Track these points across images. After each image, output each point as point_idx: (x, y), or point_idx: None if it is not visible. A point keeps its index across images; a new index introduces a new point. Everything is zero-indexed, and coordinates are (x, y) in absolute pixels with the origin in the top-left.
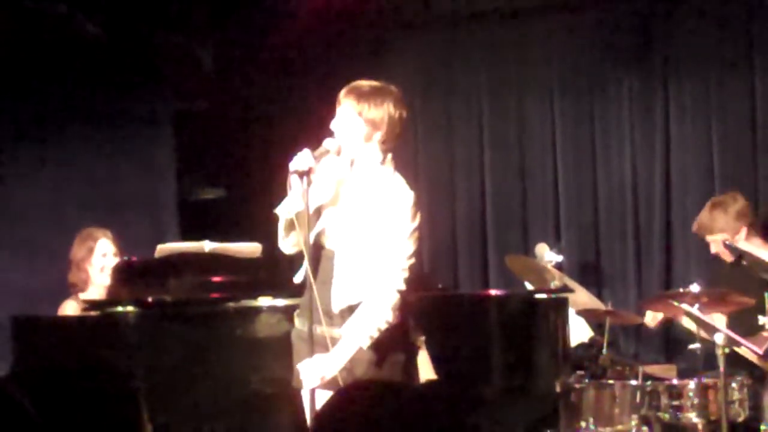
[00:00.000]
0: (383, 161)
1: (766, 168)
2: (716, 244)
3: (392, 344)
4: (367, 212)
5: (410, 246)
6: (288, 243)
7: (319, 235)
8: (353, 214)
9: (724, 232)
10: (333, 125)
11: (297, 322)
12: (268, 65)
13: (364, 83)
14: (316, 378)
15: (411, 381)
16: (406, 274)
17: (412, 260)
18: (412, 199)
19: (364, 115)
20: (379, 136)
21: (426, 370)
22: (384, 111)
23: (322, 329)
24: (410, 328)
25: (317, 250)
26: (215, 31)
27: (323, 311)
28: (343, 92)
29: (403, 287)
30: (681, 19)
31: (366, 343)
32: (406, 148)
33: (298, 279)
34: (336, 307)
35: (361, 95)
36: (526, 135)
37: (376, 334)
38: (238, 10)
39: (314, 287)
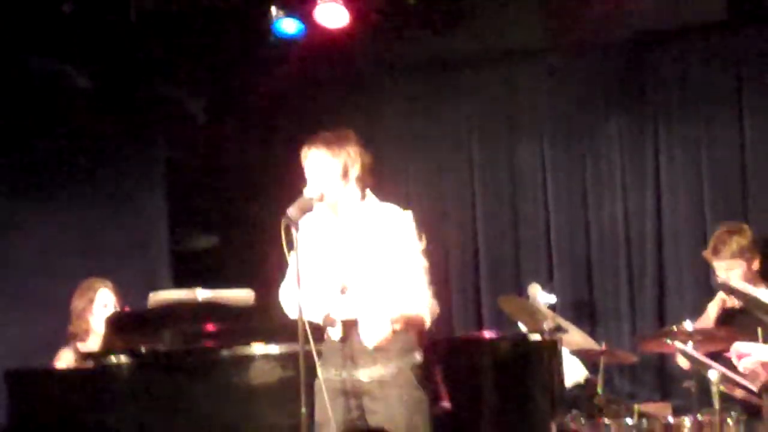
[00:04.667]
0: (363, 197)
1: (756, 209)
2: (728, 271)
3: (421, 380)
4: (374, 244)
5: (424, 261)
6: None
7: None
8: (360, 253)
9: (741, 258)
10: (308, 176)
11: (321, 371)
12: (258, 114)
13: (325, 133)
14: (379, 336)
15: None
16: (430, 288)
17: (429, 276)
18: (411, 216)
19: (336, 156)
20: (355, 173)
21: None
22: (352, 149)
23: (345, 374)
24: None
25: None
26: (207, 82)
27: (349, 354)
28: (306, 147)
29: (431, 294)
30: (671, 61)
31: (394, 318)
32: (397, 189)
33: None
34: (371, 344)
35: (327, 140)
36: (518, 175)
37: (407, 315)
38: (230, 61)
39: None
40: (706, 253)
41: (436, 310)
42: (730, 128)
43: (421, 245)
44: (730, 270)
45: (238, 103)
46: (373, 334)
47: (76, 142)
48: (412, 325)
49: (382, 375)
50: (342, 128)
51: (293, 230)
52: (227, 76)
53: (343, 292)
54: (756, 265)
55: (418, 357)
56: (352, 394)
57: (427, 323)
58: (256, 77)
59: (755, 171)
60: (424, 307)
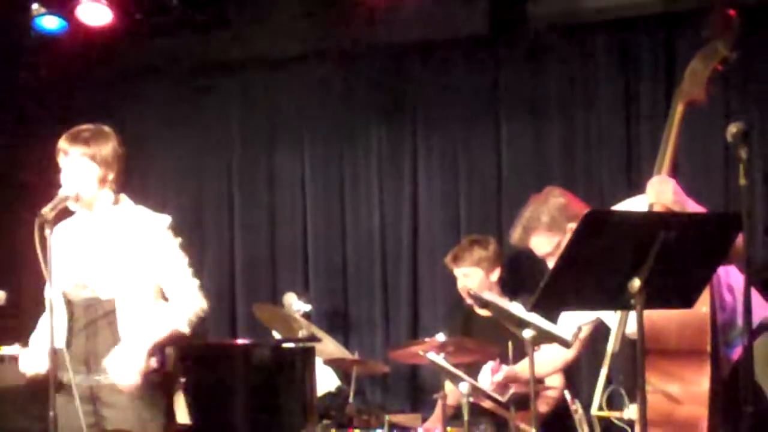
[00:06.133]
0: (116, 201)
1: (509, 222)
2: (466, 278)
3: (160, 387)
4: (130, 249)
5: (184, 256)
6: None
7: (71, 287)
8: (114, 257)
9: (479, 266)
10: (64, 175)
11: (63, 375)
12: (15, 109)
13: (84, 128)
14: (134, 373)
15: (171, 424)
16: (195, 278)
17: (192, 269)
18: (168, 220)
19: (94, 159)
20: (111, 176)
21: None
22: (113, 149)
23: (82, 379)
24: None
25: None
26: None
27: (84, 360)
28: (65, 141)
29: (200, 286)
30: (431, 72)
31: (185, 328)
32: (155, 193)
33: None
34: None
35: (89, 139)
36: (276, 183)
37: (194, 320)
38: None
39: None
40: (447, 260)
41: (204, 305)
42: (486, 142)
43: (178, 243)
44: (468, 277)
45: None
46: (129, 372)
47: None
48: (174, 341)
49: (112, 381)
50: (101, 126)
51: (47, 229)
52: None
53: None
54: (494, 276)
55: (153, 363)
56: (88, 399)
57: (187, 331)
58: (15, 72)
59: (510, 185)
60: (189, 311)
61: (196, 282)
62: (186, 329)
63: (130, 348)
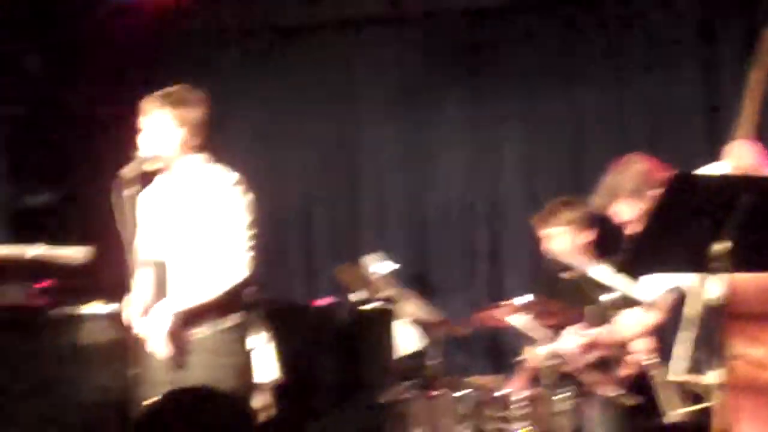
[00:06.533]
0: (199, 163)
1: (590, 185)
2: (553, 239)
3: (232, 347)
4: (198, 207)
5: (247, 216)
6: None
7: (153, 248)
8: (186, 218)
9: (568, 227)
10: (145, 135)
11: None
12: (97, 70)
13: (174, 89)
14: (167, 321)
15: (246, 384)
16: (251, 241)
17: (254, 230)
18: (236, 177)
19: (184, 121)
20: (196, 140)
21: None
22: (201, 112)
23: None
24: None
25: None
26: (42, 35)
27: None
28: (153, 101)
29: (251, 249)
30: (507, 35)
31: (212, 297)
32: (232, 157)
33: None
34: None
35: (177, 101)
36: (357, 145)
37: (226, 289)
38: (66, 13)
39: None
40: (535, 221)
41: (246, 274)
42: (567, 105)
43: (245, 205)
44: (555, 239)
45: (81, 58)
46: (161, 320)
47: None
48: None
49: (189, 339)
50: (191, 89)
51: (126, 189)
52: (68, 29)
53: None
54: (583, 238)
55: (229, 321)
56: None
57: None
58: (100, 31)
59: (591, 150)
60: (227, 281)
61: (248, 245)
62: (212, 297)
63: (157, 314)
